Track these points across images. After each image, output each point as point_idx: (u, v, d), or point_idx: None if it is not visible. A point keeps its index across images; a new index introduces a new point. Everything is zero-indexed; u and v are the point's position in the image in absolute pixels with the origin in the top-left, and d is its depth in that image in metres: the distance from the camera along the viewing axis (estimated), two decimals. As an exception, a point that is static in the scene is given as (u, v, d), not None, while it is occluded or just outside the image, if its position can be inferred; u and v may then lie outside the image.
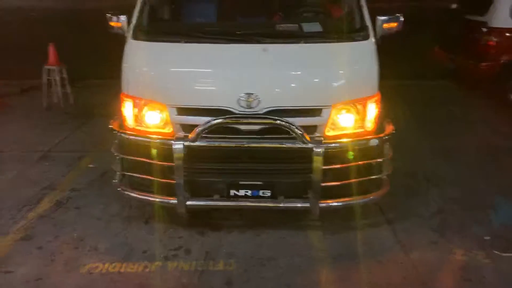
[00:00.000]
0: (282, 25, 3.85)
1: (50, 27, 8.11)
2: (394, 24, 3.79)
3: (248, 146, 3.41)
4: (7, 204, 4.35)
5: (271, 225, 3.91)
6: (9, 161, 5.28)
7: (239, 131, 3.47)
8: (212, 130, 3.39)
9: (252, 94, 3.32)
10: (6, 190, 4.63)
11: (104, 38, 4.77)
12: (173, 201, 3.54)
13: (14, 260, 3.51)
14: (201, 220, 3.95)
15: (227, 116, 3.34)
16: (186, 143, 3.39)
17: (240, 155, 3.51)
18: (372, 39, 3.64)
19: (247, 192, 3.51)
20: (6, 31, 8.62)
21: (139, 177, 3.61)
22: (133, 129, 3.60)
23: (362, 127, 3.56)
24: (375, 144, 3.49)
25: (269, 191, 3.52)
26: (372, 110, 3.54)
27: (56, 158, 5.38)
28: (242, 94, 3.32)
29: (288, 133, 3.36)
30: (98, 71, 8.50)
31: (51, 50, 7.18)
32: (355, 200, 3.60)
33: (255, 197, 3.53)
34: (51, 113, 7.03)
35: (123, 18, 3.80)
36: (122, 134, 3.58)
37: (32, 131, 6.24)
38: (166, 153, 3.45)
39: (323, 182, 3.40)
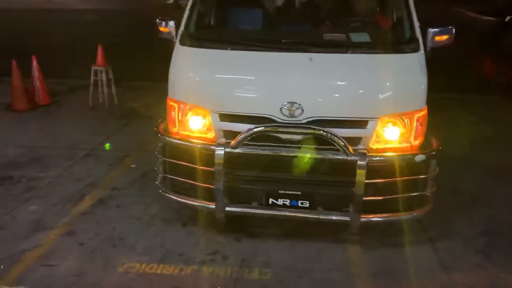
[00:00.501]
0: (329, 34, 3.81)
1: (101, 28, 8.40)
2: (445, 37, 3.67)
3: (289, 156, 3.39)
4: (54, 199, 4.51)
5: (308, 236, 3.86)
6: (56, 157, 5.47)
7: (280, 140, 3.45)
8: (254, 138, 3.39)
9: (296, 103, 3.29)
10: (53, 185, 4.80)
11: (151, 40, 4.89)
12: (212, 206, 3.55)
13: (57, 254, 3.64)
14: (238, 226, 3.94)
15: (269, 125, 3.33)
16: (228, 150, 3.40)
17: (281, 164, 3.48)
18: (422, 52, 3.54)
19: (286, 201, 3.49)
20: (62, 32, 9.00)
21: (180, 180, 3.66)
22: (176, 133, 3.65)
23: (408, 141, 3.46)
24: (421, 160, 3.38)
25: (307, 201, 3.47)
26: (419, 124, 3.43)
27: (99, 156, 5.54)
28: (285, 103, 3.29)
29: (330, 144, 3.31)
30: (142, 73, 8.79)
31: (99, 51, 7.43)
32: (397, 216, 3.50)
33: (294, 207, 3.50)
34: (96, 112, 7.25)
35: (171, 23, 3.87)
36: (166, 138, 3.62)
37: (78, 129, 6.45)
38: (207, 158, 3.47)
39: (365, 196, 3.32)
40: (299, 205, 3.48)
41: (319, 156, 3.36)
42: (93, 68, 7.40)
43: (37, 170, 5.12)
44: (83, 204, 4.42)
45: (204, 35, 3.87)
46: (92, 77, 7.41)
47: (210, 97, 3.48)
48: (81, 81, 8.18)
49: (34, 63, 7.47)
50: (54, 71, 8.33)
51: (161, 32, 3.92)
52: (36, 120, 6.84)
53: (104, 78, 7.41)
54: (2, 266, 3.46)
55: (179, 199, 3.71)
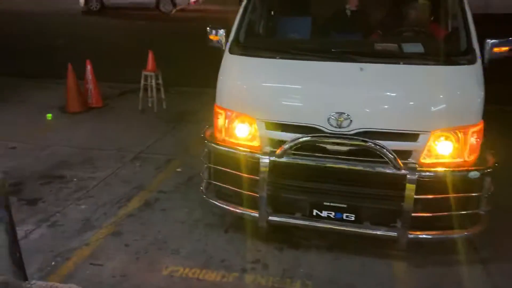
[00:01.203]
0: (380, 44, 3.73)
1: (154, 34, 8.66)
2: (505, 48, 3.50)
3: (335, 167, 3.33)
4: (102, 199, 4.67)
5: (352, 250, 3.77)
6: (106, 159, 5.67)
7: (327, 151, 3.40)
8: (299, 148, 3.36)
9: (344, 113, 3.24)
10: (102, 186, 4.98)
11: (200, 46, 4.96)
12: (255, 214, 3.55)
13: (104, 254, 3.75)
14: (280, 235, 3.92)
15: (315, 135, 3.29)
16: (272, 158, 3.39)
17: (326, 175, 3.43)
18: (479, 64, 3.39)
19: (330, 214, 3.43)
20: (118, 38, 9.34)
21: (224, 187, 3.68)
22: (222, 140, 3.68)
23: (461, 156, 3.32)
24: (475, 176, 3.22)
25: (353, 215, 3.40)
26: (474, 139, 3.28)
27: (147, 159, 5.69)
28: (333, 113, 3.25)
29: (379, 156, 3.22)
30: (191, 79, 8.98)
31: (150, 57, 7.65)
32: (447, 234, 3.36)
33: (338, 219, 3.43)
34: (144, 116, 7.46)
35: (221, 32, 3.93)
36: (212, 144, 3.67)
37: (127, 132, 6.66)
38: (252, 166, 3.48)
39: (414, 212, 3.20)
40: (344, 218, 3.41)
41: (366, 169, 3.28)
42: (144, 73, 7.62)
43: (88, 170, 5.32)
44: (130, 206, 4.54)
45: (253, 44, 3.89)
46: (142, 82, 7.63)
47: (257, 106, 3.50)
48: (131, 85, 8.46)
49: (88, 67, 7.78)
50: (106, 75, 8.64)
51: (211, 40, 3.98)
52: (88, 122, 7.12)
53: (153, 83, 7.62)
54: (53, 263, 3.62)
55: (222, 206, 3.74)
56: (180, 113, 7.54)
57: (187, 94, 8.57)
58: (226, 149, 3.60)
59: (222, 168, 3.61)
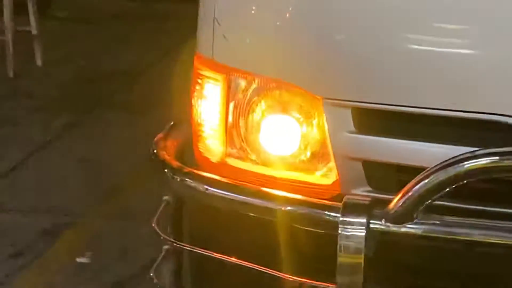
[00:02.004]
0: None
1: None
2: None
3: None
4: None
5: None
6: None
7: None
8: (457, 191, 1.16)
9: None
10: None
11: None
12: None
13: None
14: None
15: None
16: (381, 226, 1.10)
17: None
18: None
19: None
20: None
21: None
22: (222, 164, 1.30)
23: None
24: None
25: None
26: None
27: None
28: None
29: None
30: None
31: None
32: None
33: None
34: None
35: None
36: (192, 181, 1.23)
37: None
38: (314, 242, 1.23)
39: None
40: None
41: None
42: None
43: None
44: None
45: None
46: None
47: (331, 59, 1.17)
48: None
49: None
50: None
51: None
52: None
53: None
54: None
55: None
56: (85, 81, 4.26)
57: (105, 22, 5.33)
58: (227, 195, 1.19)
59: (224, 258, 1.22)
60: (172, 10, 5.26)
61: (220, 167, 1.30)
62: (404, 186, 1.10)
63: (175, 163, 1.31)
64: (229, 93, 1.26)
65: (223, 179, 1.25)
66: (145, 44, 4.83)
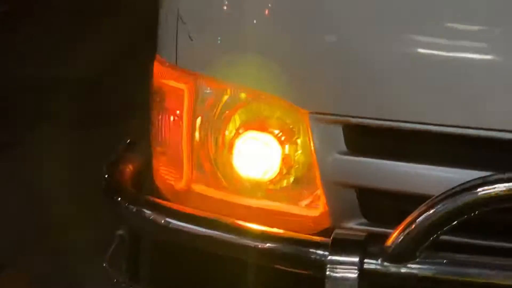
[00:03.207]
0: None
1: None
2: None
3: None
4: None
5: None
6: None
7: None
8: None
9: None
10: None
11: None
12: None
13: None
14: None
15: None
16: (378, 266, 0.91)
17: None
18: None
19: None
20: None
21: None
22: (185, 193, 1.08)
23: None
24: None
25: None
26: None
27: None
28: None
29: None
30: None
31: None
32: None
33: None
34: None
35: None
36: (141, 210, 1.02)
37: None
38: (300, 286, 1.03)
39: None
40: None
41: None
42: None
43: None
44: None
45: None
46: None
47: (316, 75, 0.97)
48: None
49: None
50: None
51: None
52: None
53: None
54: None
55: None
56: (26, 90, 3.66)
57: (53, 18, 4.72)
58: (210, 232, 0.96)
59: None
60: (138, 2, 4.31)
61: (185, 195, 1.10)
62: (405, 217, 0.93)
63: (131, 190, 1.10)
64: (196, 106, 1.06)
65: (189, 210, 1.05)
66: (101, 44, 4.10)
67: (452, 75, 0.91)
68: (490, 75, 0.90)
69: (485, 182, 0.89)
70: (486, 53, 0.92)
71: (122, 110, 2.75)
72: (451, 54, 0.92)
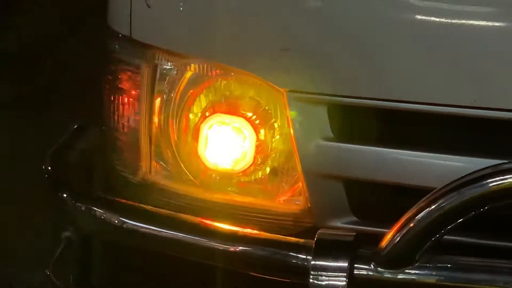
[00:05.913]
0: None
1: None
2: None
3: None
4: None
5: None
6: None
7: None
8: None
9: None
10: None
11: None
12: None
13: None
14: None
15: None
16: (370, 272, 0.79)
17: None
18: None
19: None
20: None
21: None
22: (143, 187, 0.95)
23: None
24: None
25: None
26: None
27: None
28: None
29: None
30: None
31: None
32: None
33: None
34: None
35: None
36: (91, 208, 0.88)
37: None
38: None
39: None
40: None
41: None
42: None
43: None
44: None
45: None
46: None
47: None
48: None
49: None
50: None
51: None
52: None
53: None
54: None
55: None
56: None
57: None
58: (171, 233, 0.83)
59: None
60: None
61: (143, 190, 0.96)
62: (402, 215, 0.81)
63: (79, 185, 0.96)
64: (155, 85, 0.92)
65: (147, 208, 0.92)
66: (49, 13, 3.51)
67: (458, 46, 0.78)
68: (503, 46, 0.77)
69: (496, 171, 0.77)
70: (499, 20, 0.79)
71: (71, 88, 2.40)
72: (456, 20, 0.79)
